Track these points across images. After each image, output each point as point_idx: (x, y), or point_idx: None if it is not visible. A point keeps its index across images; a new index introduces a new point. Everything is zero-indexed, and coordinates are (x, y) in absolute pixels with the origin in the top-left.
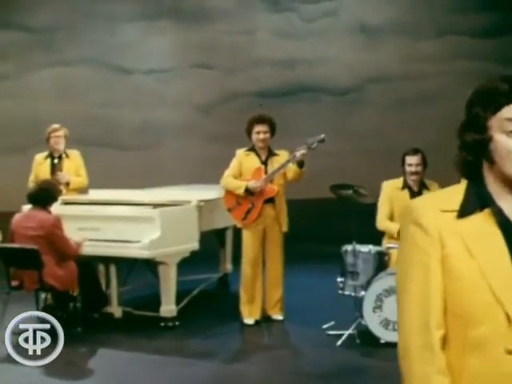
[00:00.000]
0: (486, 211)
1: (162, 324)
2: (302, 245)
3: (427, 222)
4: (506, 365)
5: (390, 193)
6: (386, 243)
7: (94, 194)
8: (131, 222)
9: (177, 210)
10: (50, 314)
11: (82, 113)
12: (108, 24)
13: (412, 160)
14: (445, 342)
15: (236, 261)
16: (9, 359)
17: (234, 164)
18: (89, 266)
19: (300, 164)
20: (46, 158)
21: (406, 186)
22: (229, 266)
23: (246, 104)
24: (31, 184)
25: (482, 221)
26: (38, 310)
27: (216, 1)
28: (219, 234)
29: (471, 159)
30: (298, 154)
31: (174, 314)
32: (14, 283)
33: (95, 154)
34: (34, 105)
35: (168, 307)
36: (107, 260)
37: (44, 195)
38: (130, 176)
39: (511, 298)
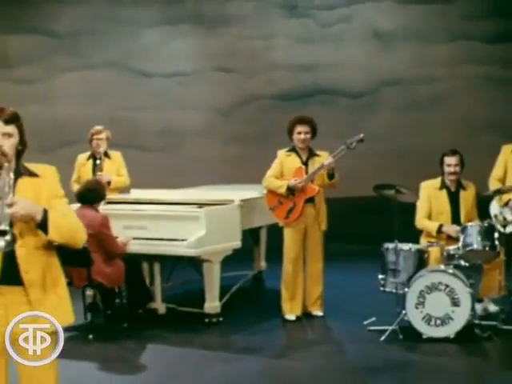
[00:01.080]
0: None
1: (207, 320)
2: (342, 243)
3: None
4: None
5: (429, 193)
6: (425, 241)
7: (137, 194)
8: (177, 220)
9: (221, 209)
10: (96, 310)
11: (106, 115)
12: (131, 28)
13: (451, 160)
14: None
15: (270, 258)
16: (65, 355)
17: (275, 165)
18: (134, 263)
19: (330, 175)
20: (89, 158)
21: (444, 185)
22: (263, 264)
23: (264, 106)
24: (74, 184)
25: None
26: (84, 306)
27: (235, 7)
28: (254, 232)
29: None
30: (326, 163)
31: (218, 310)
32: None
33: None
34: (58, 107)
35: (212, 304)
36: (151, 258)
37: (92, 194)
38: (152, 177)
39: None
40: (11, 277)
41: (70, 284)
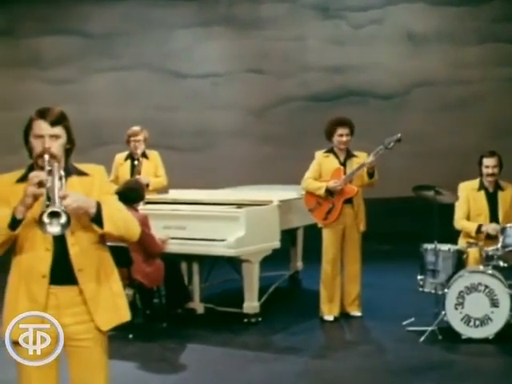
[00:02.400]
0: None
1: (246, 320)
2: (380, 243)
3: None
4: None
5: (467, 194)
6: (463, 242)
7: (175, 194)
8: (217, 220)
9: (260, 209)
10: (135, 310)
11: (139, 116)
12: (164, 30)
13: (489, 162)
14: None
15: (306, 259)
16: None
17: (313, 166)
18: (173, 263)
19: (370, 174)
20: (126, 158)
21: (482, 187)
22: (299, 264)
23: (296, 107)
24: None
25: None
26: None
27: (268, 9)
28: (291, 232)
29: None
30: (367, 161)
31: (257, 310)
32: None
33: None
34: (92, 108)
35: (251, 304)
36: (190, 258)
37: (133, 194)
38: (185, 177)
39: None
40: (63, 276)
41: None
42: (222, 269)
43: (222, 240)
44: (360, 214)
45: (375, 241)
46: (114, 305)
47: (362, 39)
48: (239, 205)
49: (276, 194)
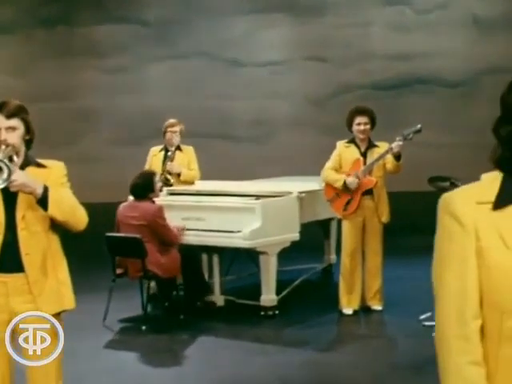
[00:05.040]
0: None
1: (262, 313)
2: (404, 236)
3: (463, 214)
4: None
5: None
6: None
7: (200, 185)
8: (233, 212)
9: (277, 201)
10: (155, 301)
11: (197, 105)
12: (222, 17)
13: None
14: (481, 332)
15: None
16: (109, 345)
17: (334, 156)
18: (192, 255)
19: (397, 157)
20: (161, 150)
21: None
22: (333, 257)
23: (358, 97)
24: None
25: None
26: (142, 297)
27: None
28: (324, 224)
29: (507, 153)
30: (395, 145)
31: (275, 303)
32: (119, 271)
33: (209, 146)
34: (149, 97)
35: (268, 296)
36: (210, 250)
37: (140, 186)
38: (243, 167)
39: None
40: (12, 263)
41: (125, 275)
42: (247, 262)
43: (238, 231)
44: (381, 205)
45: (401, 234)
46: (57, 292)
47: (426, 25)
48: (259, 196)
49: (303, 184)
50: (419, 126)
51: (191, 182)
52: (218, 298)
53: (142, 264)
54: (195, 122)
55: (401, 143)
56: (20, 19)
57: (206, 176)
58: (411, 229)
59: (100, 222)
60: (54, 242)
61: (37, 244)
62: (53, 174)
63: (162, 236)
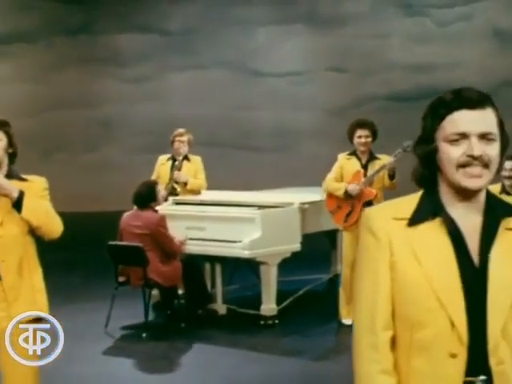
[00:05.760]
0: (437, 220)
1: (262, 322)
2: None
3: (378, 230)
4: (449, 367)
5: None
6: None
7: (205, 195)
8: (234, 222)
9: (278, 211)
10: (158, 309)
11: (218, 115)
12: (243, 28)
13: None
14: (393, 343)
15: None
16: (108, 351)
17: (335, 168)
18: (194, 264)
19: (391, 175)
20: (168, 159)
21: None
22: (340, 268)
23: (378, 107)
24: None
25: (432, 229)
26: (145, 305)
27: (350, 6)
28: (330, 235)
29: (425, 171)
30: (388, 162)
31: (275, 312)
32: (121, 279)
33: (230, 156)
34: (171, 106)
35: (268, 306)
36: (213, 259)
37: (142, 196)
38: (263, 178)
39: (455, 305)
40: None
41: (127, 283)
42: (248, 271)
43: (239, 241)
44: None
45: None
46: (32, 298)
47: (447, 37)
48: (261, 207)
49: (309, 195)
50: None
51: (198, 192)
52: (220, 307)
53: (143, 272)
54: (216, 131)
55: (392, 160)
56: (43, 28)
57: (225, 185)
58: None
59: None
60: (31, 247)
61: (13, 251)
62: (33, 188)
63: (164, 245)
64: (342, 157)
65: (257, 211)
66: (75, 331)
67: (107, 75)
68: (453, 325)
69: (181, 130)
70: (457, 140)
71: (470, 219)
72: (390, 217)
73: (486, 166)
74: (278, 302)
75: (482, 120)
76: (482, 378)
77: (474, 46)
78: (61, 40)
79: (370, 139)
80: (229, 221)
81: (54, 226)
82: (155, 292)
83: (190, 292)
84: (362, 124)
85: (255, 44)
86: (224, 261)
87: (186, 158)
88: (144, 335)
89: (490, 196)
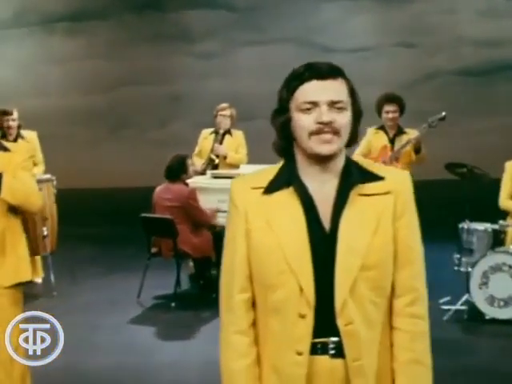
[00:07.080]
0: (291, 188)
1: None
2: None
3: (237, 199)
4: (299, 328)
5: None
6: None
7: (243, 169)
8: None
9: None
10: (193, 280)
11: None
12: (311, 3)
13: None
14: (252, 305)
15: None
16: (134, 320)
17: (363, 142)
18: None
19: (416, 150)
20: (211, 133)
21: None
22: None
23: (447, 83)
24: (194, 157)
25: (286, 197)
26: (178, 276)
27: None
28: None
29: (282, 141)
30: (413, 137)
31: None
32: (154, 250)
33: None
34: (238, 82)
35: None
36: None
37: (173, 169)
38: None
39: (303, 269)
40: None
41: (159, 254)
42: None
43: None
44: None
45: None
46: (16, 266)
47: None
48: None
49: None
50: (444, 113)
51: (237, 166)
52: None
53: (173, 244)
54: None
55: (418, 135)
56: (112, 5)
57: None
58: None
59: None
60: (15, 222)
61: None
62: (16, 159)
63: (195, 217)
64: (371, 131)
65: None
66: (106, 300)
67: (176, 51)
68: (301, 288)
69: (223, 105)
70: (308, 109)
71: (324, 186)
72: (249, 186)
73: (336, 132)
74: None
75: (331, 89)
76: (334, 339)
77: None
78: (131, 17)
79: (397, 114)
80: None
81: (33, 204)
82: (192, 263)
83: (220, 263)
84: (389, 99)
85: (323, 19)
86: None
87: (228, 132)
88: (173, 305)
89: (349, 163)
